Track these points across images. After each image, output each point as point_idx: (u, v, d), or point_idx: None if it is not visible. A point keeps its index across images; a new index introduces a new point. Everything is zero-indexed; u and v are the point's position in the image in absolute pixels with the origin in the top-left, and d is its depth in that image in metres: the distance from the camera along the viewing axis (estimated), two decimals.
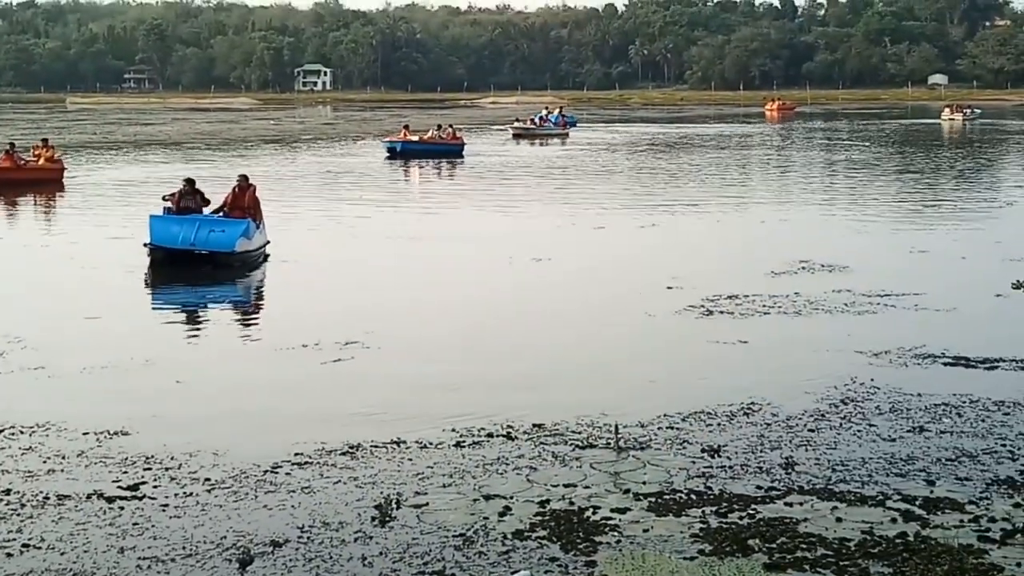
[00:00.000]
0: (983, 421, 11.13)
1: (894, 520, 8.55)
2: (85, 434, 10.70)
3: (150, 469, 9.77)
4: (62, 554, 8.04)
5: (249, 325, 17.12)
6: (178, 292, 19.30)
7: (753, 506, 8.84)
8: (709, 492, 9.19)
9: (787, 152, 58.55)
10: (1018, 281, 18.59)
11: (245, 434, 10.88)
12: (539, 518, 8.63)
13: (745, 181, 41.63)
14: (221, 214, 21.96)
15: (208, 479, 9.52)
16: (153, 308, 18.34)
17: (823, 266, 20.42)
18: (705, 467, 9.81)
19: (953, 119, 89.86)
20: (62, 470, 9.77)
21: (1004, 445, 10.37)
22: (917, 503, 8.89)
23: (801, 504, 8.90)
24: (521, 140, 67.03)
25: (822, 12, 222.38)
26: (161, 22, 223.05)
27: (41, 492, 9.20)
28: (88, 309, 17.20)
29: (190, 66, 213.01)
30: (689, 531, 8.36)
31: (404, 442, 10.46)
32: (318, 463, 9.93)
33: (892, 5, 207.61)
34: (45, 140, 40.41)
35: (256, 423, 11.33)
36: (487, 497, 9.09)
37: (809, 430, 10.88)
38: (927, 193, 36.10)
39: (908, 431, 10.83)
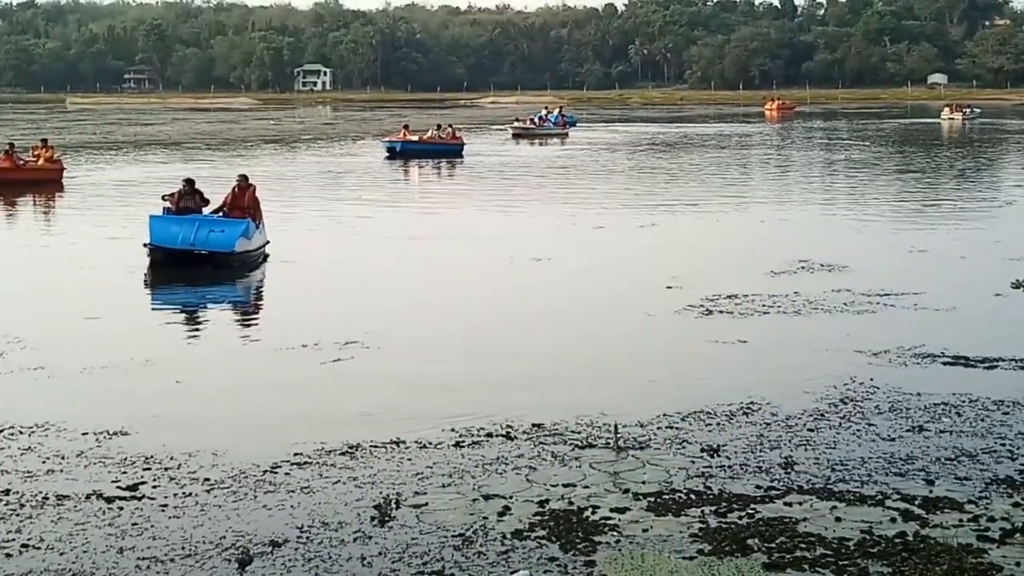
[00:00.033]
0: (982, 420, 11.13)
1: (893, 520, 8.55)
2: (84, 434, 10.70)
3: (149, 469, 9.77)
4: (61, 554, 8.04)
5: (249, 325, 17.12)
6: (178, 292, 19.30)
7: (752, 506, 8.84)
8: (708, 492, 9.19)
9: (787, 152, 58.55)
10: (1018, 280, 18.59)
11: (244, 434, 10.89)
12: (538, 518, 8.63)
13: (745, 181, 41.63)
14: (221, 214, 21.96)
15: (207, 479, 9.52)
16: (153, 308, 18.34)
17: (823, 266, 20.42)
18: (704, 467, 9.81)
19: (953, 118, 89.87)
20: (61, 470, 9.77)
21: (1003, 444, 10.38)
22: (916, 502, 8.89)
23: (800, 504, 8.90)
24: (521, 140, 67.04)
25: (822, 12, 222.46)
26: (161, 22, 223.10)
27: (40, 492, 9.20)
28: (88, 309, 17.20)
29: (190, 66, 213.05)
30: (688, 531, 8.36)
31: (403, 442, 10.46)
32: (317, 463, 9.93)
33: (892, 4, 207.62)
34: (44, 140, 40.40)
35: (255, 423, 11.33)
36: (486, 497, 9.09)
37: (808, 430, 10.88)
38: (927, 193, 36.11)
39: (907, 430, 10.83)
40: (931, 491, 9.17)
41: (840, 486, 9.29)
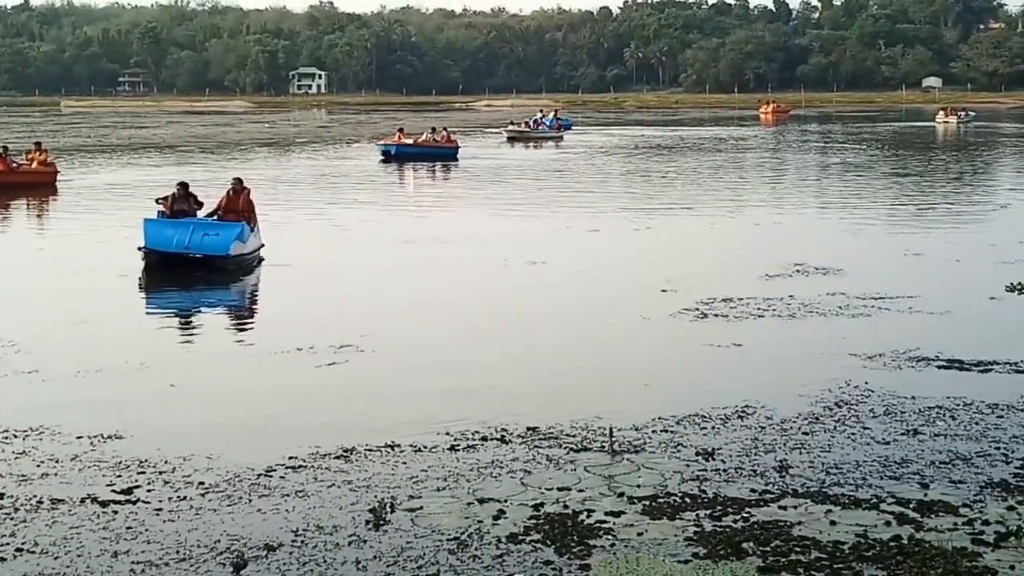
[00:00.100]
0: (977, 424, 11.14)
1: (888, 523, 8.56)
2: (79, 438, 10.68)
3: (144, 473, 9.76)
4: (56, 558, 8.03)
5: (243, 329, 17.11)
6: (172, 296, 19.28)
7: (747, 509, 8.84)
8: (703, 495, 9.19)
9: (781, 155, 58.59)
10: (1012, 284, 18.62)
11: (239, 438, 10.88)
12: (533, 521, 8.63)
13: (740, 184, 41.63)
14: (215, 217, 21.94)
15: (202, 483, 9.51)
16: (147, 312, 18.32)
17: (817, 269, 20.44)
18: (699, 470, 9.82)
19: (947, 122, 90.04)
20: (56, 474, 9.76)
21: (998, 448, 10.39)
22: (911, 506, 8.90)
23: (795, 507, 8.90)
24: (515, 143, 67.02)
25: (816, 15, 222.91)
26: (156, 25, 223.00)
27: (35, 496, 9.19)
28: (82, 313, 17.18)
29: (185, 69, 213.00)
30: (683, 534, 8.36)
31: (398, 446, 10.46)
32: (312, 467, 9.92)
33: (886, 8, 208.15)
34: (38, 143, 40.38)
35: (250, 427, 11.33)
36: (481, 501, 9.09)
37: (803, 433, 10.89)
38: (921, 196, 36.14)
39: (902, 434, 10.84)
40: (926, 494, 9.17)
41: (835, 490, 9.29)
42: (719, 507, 8.89)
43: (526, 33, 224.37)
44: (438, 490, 9.35)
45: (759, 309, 16.88)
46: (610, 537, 8.34)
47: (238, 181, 22.68)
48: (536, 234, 26.41)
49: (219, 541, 8.31)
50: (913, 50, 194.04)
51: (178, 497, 9.20)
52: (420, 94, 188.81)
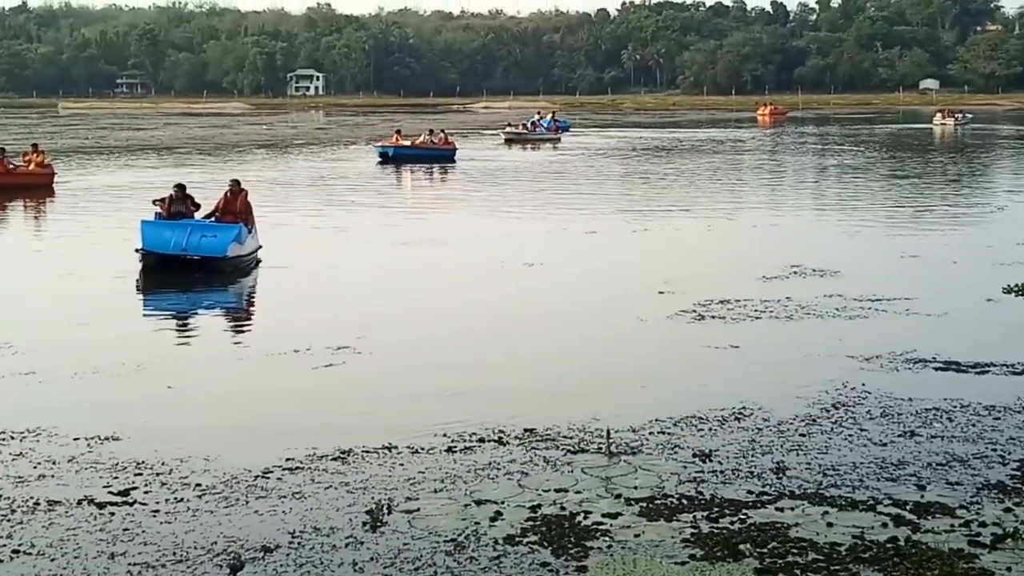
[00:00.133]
0: (974, 426, 11.14)
1: (885, 525, 8.57)
2: (76, 439, 10.68)
3: (141, 475, 9.75)
4: (52, 560, 8.02)
5: (241, 330, 17.11)
6: (170, 297, 19.26)
7: (744, 511, 8.85)
8: (700, 497, 9.19)
9: (779, 157, 58.62)
10: (1009, 286, 18.63)
11: (236, 439, 10.87)
12: (530, 523, 8.63)
13: (737, 186, 41.66)
14: (213, 219, 21.94)
15: (199, 484, 9.51)
16: (145, 313, 18.31)
17: (814, 271, 20.45)
18: (696, 472, 9.82)
19: (945, 124, 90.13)
20: (53, 476, 9.76)
21: (994, 450, 10.39)
22: (908, 508, 8.90)
23: (792, 509, 8.91)
24: (513, 145, 67.02)
25: (814, 17, 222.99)
26: (154, 27, 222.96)
27: (32, 498, 9.19)
28: (79, 314, 17.18)
29: (183, 71, 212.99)
30: (680, 536, 8.37)
31: (395, 447, 10.46)
32: (309, 468, 9.92)
33: (884, 10, 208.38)
34: (35, 145, 40.39)
35: (247, 428, 11.32)
36: (478, 502, 9.09)
37: (800, 435, 10.89)
38: (919, 198, 36.17)
39: (899, 436, 10.84)
40: (922, 496, 9.18)
41: (832, 491, 9.30)
42: (716, 509, 8.90)
43: (524, 35, 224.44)
44: (435, 492, 9.35)
45: (756, 311, 16.89)
46: (607, 539, 8.34)
47: (236, 183, 22.68)
48: (533, 236, 26.42)
49: (216, 543, 8.31)
50: (910, 52, 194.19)
51: (175, 499, 9.19)
52: (418, 96, 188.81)
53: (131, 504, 9.07)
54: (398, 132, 55.67)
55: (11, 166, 37.25)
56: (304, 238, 26.10)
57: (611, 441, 10.53)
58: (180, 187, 22.53)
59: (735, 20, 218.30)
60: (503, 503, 9.06)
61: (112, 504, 9.06)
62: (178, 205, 21.96)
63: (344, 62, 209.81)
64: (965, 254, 23.39)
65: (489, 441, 10.68)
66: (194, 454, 10.23)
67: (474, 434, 10.87)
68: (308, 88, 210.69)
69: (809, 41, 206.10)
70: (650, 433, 10.93)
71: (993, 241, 25.11)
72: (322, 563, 7.97)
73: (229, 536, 8.43)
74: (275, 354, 14.32)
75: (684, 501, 9.09)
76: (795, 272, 20.33)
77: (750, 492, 9.29)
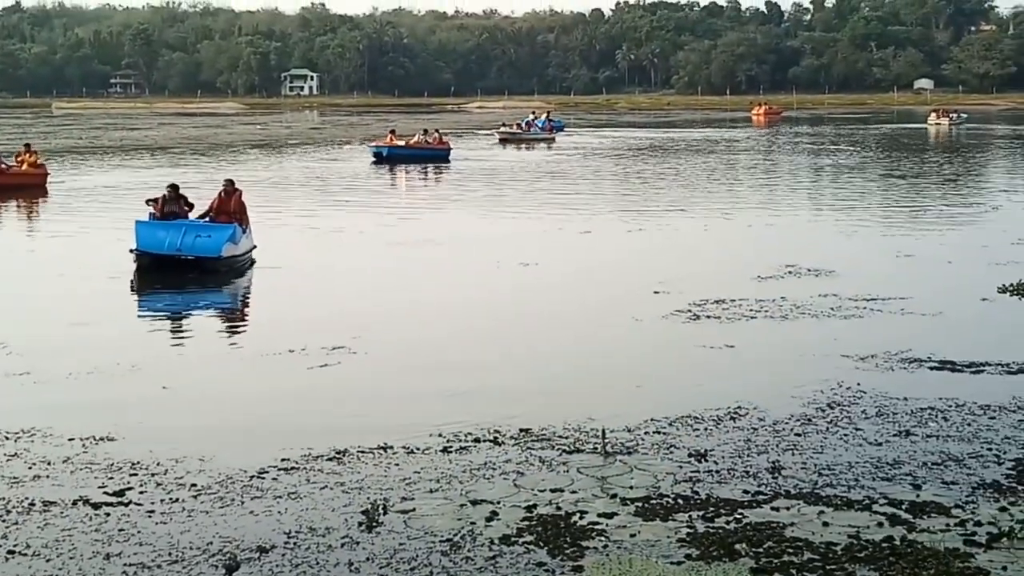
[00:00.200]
0: (969, 425, 11.15)
1: (880, 524, 8.57)
2: (71, 440, 10.66)
3: (136, 475, 9.74)
4: (48, 561, 8.01)
5: (236, 331, 17.08)
6: (164, 298, 19.24)
7: (740, 510, 8.85)
8: (696, 496, 9.19)
9: (774, 157, 58.66)
10: (1004, 285, 18.65)
11: (231, 440, 10.86)
12: (526, 523, 8.63)
13: (732, 186, 41.69)
14: (207, 219, 21.91)
15: (194, 485, 9.49)
16: (139, 314, 18.29)
17: (810, 270, 20.46)
18: (692, 471, 9.82)
19: (939, 123, 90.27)
20: (48, 476, 9.74)
21: (990, 449, 10.40)
22: (903, 507, 8.90)
23: (788, 508, 8.90)
24: (507, 145, 67.04)
25: (808, 17, 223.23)
26: (147, 27, 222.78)
27: (27, 498, 9.17)
28: (74, 315, 17.15)
29: (176, 71, 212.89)
30: (676, 536, 8.36)
31: (391, 447, 10.45)
32: (305, 469, 9.91)
33: (878, 10, 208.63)
34: (28, 145, 40.36)
35: (242, 429, 11.31)
36: (474, 502, 9.08)
37: (796, 434, 10.89)
38: (914, 198, 36.22)
39: (894, 435, 10.84)
40: (918, 495, 9.18)
41: (827, 491, 9.30)
42: (712, 508, 8.90)
43: (518, 35, 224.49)
44: (431, 492, 9.34)
45: (751, 310, 16.89)
46: (603, 538, 8.34)
47: (230, 183, 22.65)
48: (529, 235, 26.42)
49: (211, 543, 8.30)
50: (905, 52, 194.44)
51: (170, 499, 9.18)
52: (412, 96, 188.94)
53: (126, 504, 9.06)
54: (392, 132, 55.68)
55: (3, 166, 37.23)
56: (299, 238, 26.09)
57: (607, 441, 10.53)
58: (173, 187, 22.51)
59: (729, 20, 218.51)
60: (499, 503, 9.06)
61: (107, 504, 9.04)
62: (171, 205, 21.94)
63: (338, 62, 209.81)
64: (960, 254, 23.42)
65: (485, 441, 10.68)
66: (189, 454, 10.22)
67: (470, 434, 10.86)
68: (302, 88, 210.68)
69: (803, 41, 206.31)
70: (646, 433, 10.93)
71: (988, 241, 25.13)
72: (318, 563, 7.96)
73: (225, 536, 8.42)
74: (270, 354, 14.30)
75: (680, 501, 9.09)
76: (790, 272, 20.34)
77: (746, 492, 9.29)
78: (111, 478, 9.67)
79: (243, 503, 9.10)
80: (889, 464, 9.98)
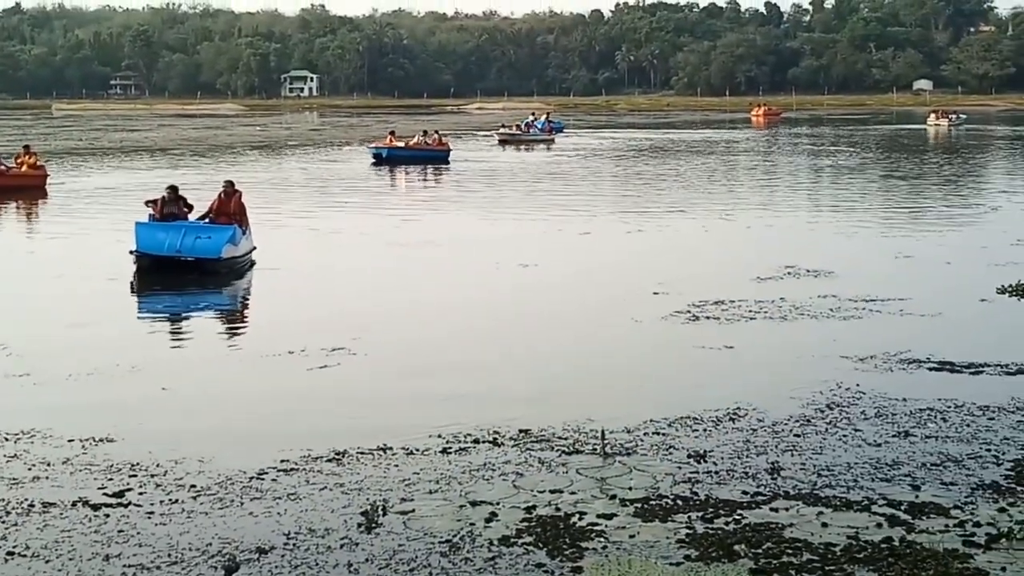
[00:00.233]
0: (968, 426, 11.15)
1: (879, 525, 8.57)
2: (70, 441, 10.67)
3: (135, 476, 9.74)
4: (47, 562, 8.01)
5: (235, 332, 17.09)
6: (164, 299, 19.25)
7: (739, 511, 8.85)
8: (695, 497, 9.19)
9: (773, 158, 58.66)
10: (1003, 286, 18.65)
11: (231, 441, 10.86)
12: (525, 524, 8.63)
13: (731, 187, 41.69)
14: (207, 220, 21.91)
15: (194, 486, 9.50)
16: (139, 315, 18.29)
17: (809, 271, 20.46)
18: (691, 472, 9.82)
19: (939, 124, 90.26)
20: (47, 477, 9.74)
21: (989, 450, 10.40)
22: (902, 508, 8.91)
23: (787, 509, 8.91)
24: (507, 146, 67.04)
25: (807, 18, 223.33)
26: (147, 28, 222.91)
27: (26, 499, 9.17)
28: (73, 316, 17.15)
29: (176, 72, 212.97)
30: (675, 536, 8.37)
31: (390, 448, 10.45)
32: (304, 470, 9.91)
33: (877, 11, 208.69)
34: (27, 147, 40.39)
35: (242, 430, 11.31)
36: (473, 503, 9.09)
37: (795, 435, 10.90)
38: (913, 198, 36.21)
39: (893, 436, 10.85)
40: (917, 496, 9.18)
41: (826, 491, 9.30)
42: (711, 509, 8.90)
43: (518, 36, 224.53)
44: (430, 493, 9.34)
45: (751, 311, 16.90)
46: (602, 539, 8.34)
47: (229, 184, 22.65)
48: (528, 237, 26.43)
49: (211, 544, 8.30)
50: (904, 53, 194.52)
51: (170, 500, 9.18)
52: (412, 97, 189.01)
53: (126, 506, 9.06)
54: (392, 133, 55.68)
55: (2, 168, 37.22)
56: (298, 239, 26.08)
57: (606, 442, 10.53)
58: (173, 188, 22.52)
59: (729, 21, 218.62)
60: (498, 504, 9.06)
61: (107, 506, 9.05)
62: (171, 206, 21.94)
63: (338, 63, 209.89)
64: (959, 254, 23.43)
65: (484, 442, 10.68)
66: (189, 455, 10.22)
67: (469, 435, 10.86)
68: (302, 89, 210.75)
69: (803, 42, 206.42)
70: (645, 434, 10.93)
71: (987, 242, 25.13)
72: (317, 564, 7.97)
73: (224, 537, 8.42)
74: (270, 355, 14.31)
75: (679, 502, 9.10)
76: (789, 273, 20.34)
77: (745, 493, 9.30)
78: (110, 479, 9.67)
79: (242, 504, 9.10)
80: (888, 465, 9.98)
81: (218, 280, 20.37)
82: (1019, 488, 9.37)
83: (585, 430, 10.97)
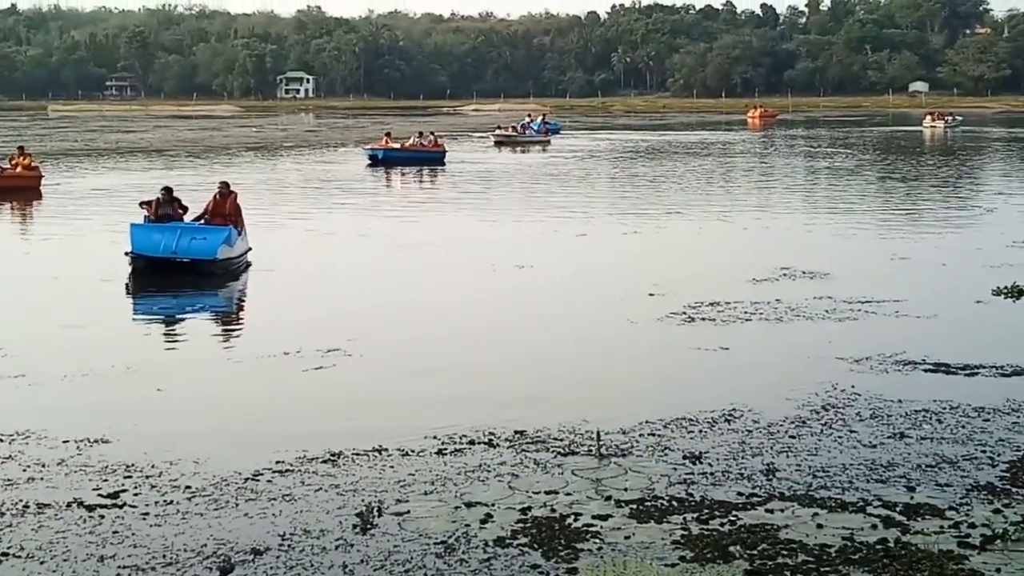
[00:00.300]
0: (963, 427, 11.16)
1: (875, 526, 8.57)
2: (65, 442, 10.65)
3: (130, 477, 9.73)
4: (42, 563, 8.00)
5: (231, 333, 17.07)
6: (160, 300, 19.23)
7: (734, 512, 8.85)
8: (690, 499, 9.19)
9: (769, 159, 58.70)
10: (998, 288, 18.66)
11: (226, 442, 10.85)
12: (521, 525, 8.63)
13: (727, 188, 41.72)
14: (202, 221, 21.89)
15: (189, 487, 9.49)
16: (134, 316, 18.29)
17: (804, 273, 20.47)
18: (687, 474, 9.82)
19: (934, 126, 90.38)
20: (42, 478, 9.73)
21: (984, 451, 10.41)
22: (897, 509, 8.91)
23: (782, 510, 8.91)
24: (503, 147, 67.05)
25: (803, 20, 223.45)
26: (143, 29, 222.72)
27: (21, 500, 9.16)
28: (69, 317, 17.12)
29: (172, 73, 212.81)
30: (670, 538, 8.37)
31: (386, 449, 10.45)
32: (299, 471, 9.90)
33: (873, 13, 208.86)
34: (21, 148, 40.36)
35: (237, 431, 11.31)
36: (469, 504, 9.08)
37: (790, 436, 10.90)
38: (908, 200, 36.24)
39: (889, 437, 10.85)
40: (912, 498, 9.19)
41: (822, 493, 9.30)
42: (706, 510, 8.90)
43: (514, 37, 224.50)
44: (425, 494, 9.34)
45: (746, 313, 16.90)
46: (597, 541, 8.34)
47: (225, 185, 22.65)
48: (524, 238, 26.44)
49: (206, 545, 8.30)
50: (900, 55, 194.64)
51: (165, 501, 9.18)
52: (408, 98, 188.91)
53: (120, 507, 9.05)
54: (388, 135, 55.68)
55: None
56: (294, 240, 26.07)
57: (601, 443, 10.53)
58: (167, 190, 22.49)
59: (725, 23, 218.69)
60: (493, 505, 9.06)
61: (101, 507, 9.04)
62: (165, 208, 21.92)
63: (334, 64, 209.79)
64: (955, 256, 23.46)
65: (479, 443, 10.68)
66: (184, 457, 10.21)
67: (464, 436, 10.86)
68: (298, 90, 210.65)
69: (799, 44, 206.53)
70: (640, 435, 10.93)
71: (983, 243, 25.16)
72: (312, 565, 7.96)
73: (219, 539, 8.41)
74: (265, 356, 14.30)
75: (674, 503, 9.10)
76: (785, 274, 20.35)
77: (740, 494, 9.30)
78: (105, 480, 9.66)
79: (237, 505, 9.09)
80: (883, 466, 9.99)
81: (213, 281, 20.35)
82: (1014, 489, 9.38)
83: (580, 431, 10.97)
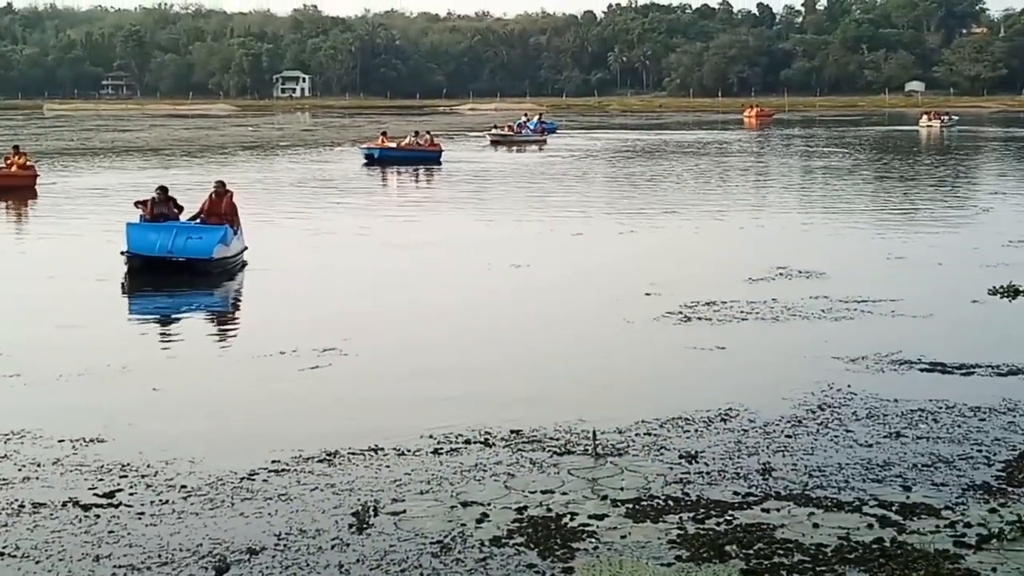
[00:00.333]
0: (959, 427, 11.16)
1: (870, 526, 8.57)
2: (61, 441, 10.64)
3: (126, 476, 9.72)
4: (37, 562, 7.99)
5: (226, 332, 17.07)
6: (155, 299, 19.21)
7: (730, 512, 8.85)
8: (687, 498, 9.19)
9: (765, 159, 58.73)
10: (994, 287, 18.68)
11: (222, 441, 10.85)
12: (516, 525, 8.62)
13: (723, 188, 41.72)
14: (198, 221, 21.88)
15: (184, 486, 9.48)
16: (130, 316, 18.27)
17: (800, 272, 20.48)
18: (683, 473, 9.82)
19: (931, 126, 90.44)
20: (37, 478, 9.72)
21: (980, 451, 10.41)
22: (893, 509, 8.91)
23: (778, 510, 8.91)
24: (499, 147, 67.06)
25: (800, 19, 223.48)
26: (139, 28, 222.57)
27: (16, 500, 9.15)
28: (64, 316, 17.10)
29: (168, 72, 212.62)
30: (666, 537, 8.36)
31: (381, 449, 10.44)
32: (295, 470, 9.90)
33: (869, 12, 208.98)
34: (16, 147, 40.32)
35: (233, 430, 11.30)
36: (465, 504, 9.08)
37: (786, 436, 10.90)
38: (904, 200, 36.25)
39: (884, 437, 10.86)
40: (908, 497, 9.19)
41: (818, 492, 9.30)
42: (702, 510, 8.90)
43: (510, 37, 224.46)
44: (421, 493, 9.33)
45: (743, 312, 16.91)
46: (593, 540, 8.34)
47: (221, 184, 22.62)
48: (520, 237, 26.43)
49: (201, 545, 8.29)
50: (896, 54, 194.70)
51: (160, 501, 9.17)
52: (404, 98, 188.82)
53: (116, 506, 9.04)
54: (384, 134, 55.67)
55: None
56: (290, 240, 26.05)
57: (597, 442, 10.53)
58: (163, 189, 22.46)
59: (721, 22, 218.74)
60: (489, 505, 9.05)
61: (97, 506, 9.03)
62: (161, 207, 21.89)
63: (330, 64, 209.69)
64: (951, 256, 23.48)
65: (475, 443, 10.67)
66: (179, 456, 10.21)
67: (460, 436, 10.86)
68: (294, 90, 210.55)
69: (795, 43, 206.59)
70: (636, 434, 10.93)
71: (979, 243, 25.18)
72: (308, 565, 7.95)
73: (214, 538, 8.41)
74: (261, 356, 14.29)
75: (670, 502, 9.09)
76: (781, 274, 20.36)
77: (736, 493, 9.30)
78: (101, 480, 9.65)
79: (233, 505, 9.08)
80: (879, 466, 9.99)
81: (209, 281, 20.34)
82: (1010, 489, 9.39)
83: (577, 431, 10.97)
